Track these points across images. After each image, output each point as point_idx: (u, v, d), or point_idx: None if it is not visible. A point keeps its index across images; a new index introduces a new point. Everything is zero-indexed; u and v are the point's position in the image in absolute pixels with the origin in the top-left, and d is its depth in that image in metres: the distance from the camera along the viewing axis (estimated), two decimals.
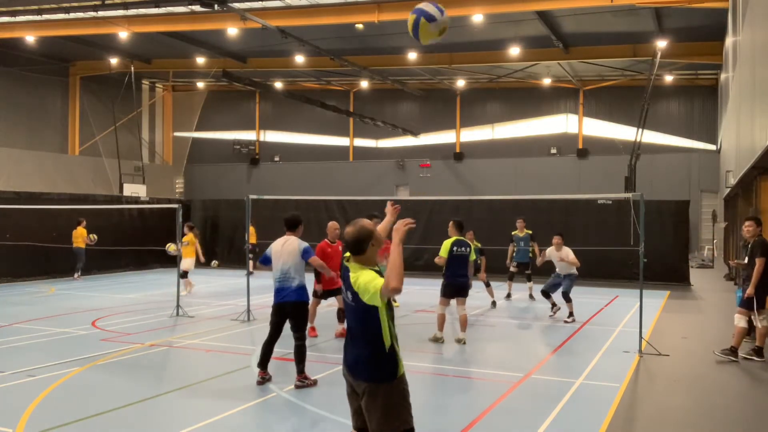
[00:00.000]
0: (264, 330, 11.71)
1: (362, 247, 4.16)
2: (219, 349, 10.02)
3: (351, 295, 4.10)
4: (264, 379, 7.87)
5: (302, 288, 7.84)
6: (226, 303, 14.88)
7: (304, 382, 7.77)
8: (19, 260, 19.10)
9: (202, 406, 7.11)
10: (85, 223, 19.94)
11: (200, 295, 16.33)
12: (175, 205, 13.77)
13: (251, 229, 20.50)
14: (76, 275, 19.82)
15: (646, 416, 6.94)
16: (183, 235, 15.75)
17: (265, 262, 8.04)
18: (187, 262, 16.17)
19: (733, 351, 9.40)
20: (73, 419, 6.47)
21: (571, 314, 12.76)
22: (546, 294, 13.12)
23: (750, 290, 9.16)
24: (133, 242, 22.13)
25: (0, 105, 29.66)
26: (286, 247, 7.86)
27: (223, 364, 8.92)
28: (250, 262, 21.05)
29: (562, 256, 12.86)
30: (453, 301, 10.64)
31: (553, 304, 13.15)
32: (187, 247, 16.21)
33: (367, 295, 4.00)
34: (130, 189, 31.04)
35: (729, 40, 19.54)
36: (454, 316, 11.13)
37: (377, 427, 4.04)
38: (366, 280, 4.03)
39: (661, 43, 22.99)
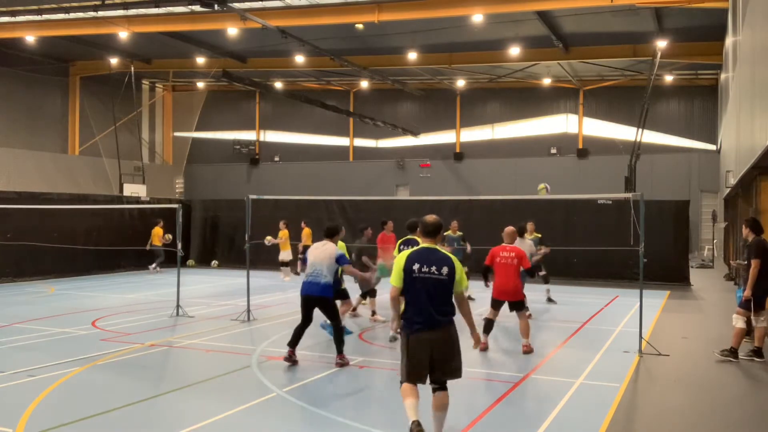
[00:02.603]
0: (263, 330, 11.71)
1: (439, 232, 6.02)
2: (219, 349, 10.02)
3: (447, 269, 5.68)
4: (290, 357, 8.83)
5: (329, 286, 8.98)
6: (226, 303, 14.87)
7: (341, 361, 8.82)
8: (20, 260, 19.10)
9: (202, 406, 7.11)
10: (162, 223, 21.90)
11: (200, 295, 16.34)
12: (175, 205, 13.77)
13: (307, 231, 20.96)
14: (152, 267, 21.86)
15: (646, 416, 6.94)
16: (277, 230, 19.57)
17: (305, 261, 9.83)
18: (285, 254, 20.00)
19: (732, 352, 9.40)
20: (73, 419, 6.47)
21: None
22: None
23: (747, 292, 9.17)
24: (134, 242, 22.13)
25: (0, 105, 29.67)
26: (323, 250, 9.15)
27: (223, 364, 8.92)
28: (299, 263, 21.49)
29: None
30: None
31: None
32: (285, 242, 19.88)
33: (460, 285, 5.78)
34: (130, 189, 31.04)
35: (729, 40, 19.53)
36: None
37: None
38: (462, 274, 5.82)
39: (661, 43, 22.98)
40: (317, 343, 10.30)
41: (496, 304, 10.14)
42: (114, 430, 6.32)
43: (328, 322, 10.13)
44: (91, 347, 9.91)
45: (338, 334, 9.01)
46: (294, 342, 8.97)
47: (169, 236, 21.49)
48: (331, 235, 9.42)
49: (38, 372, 8.34)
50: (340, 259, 9.10)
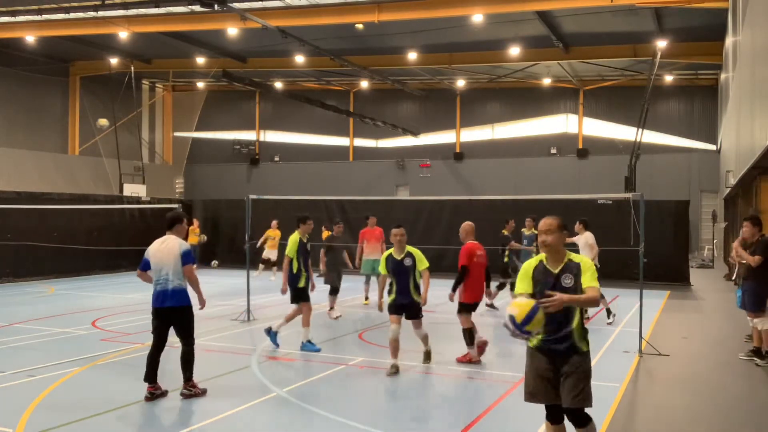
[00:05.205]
0: (264, 330, 11.67)
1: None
2: (219, 349, 10.02)
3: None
4: (153, 394, 7.21)
5: (180, 291, 7.30)
6: (226, 303, 14.87)
7: (191, 390, 7.35)
8: (20, 260, 19.09)
9: (202, 406, 7.11)
10: (197, 222, 22.87)
11: None
12: (176, 205, 13.79)
13: (327, 234, 21.07)
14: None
15: (646, 416, 6.94)
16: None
17: (145, 267, 7.45)
18: (269, 252, 20.40)
19: None
20: (73, 419, 6.47)
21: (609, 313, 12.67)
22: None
23: (742, 256, 9.09)
24: (134, 242, 22.11)
25: (0, 105, 29.66)
26: (164, 248, 7.36)
27: (223, 364, 8.92)
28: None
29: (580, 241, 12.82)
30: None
31: (608, 311, 12.76)
32: (274, 241, 20.42)
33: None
34: (130, 189, 31.02)
35: (729, 40, 19.54)
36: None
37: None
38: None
39: (661, 43, 22.99)
40: (317, 342, 10.29)
41: (472, 309, 9.27)
42: (114, 430, 6.32)
43: (273, 329, 9.89)
44: (91, 347, 9.91)
45: (186, 356, 7.44)
46: (152, 375, 7.30)
47: (204, 236, 22.61)
48: (170, 226, 7.49)
49: (38, 372, 8.34)
50: (183, 257, 7.28)
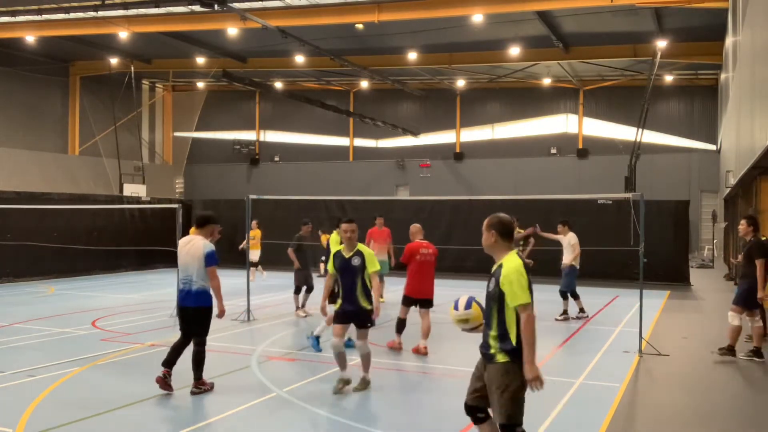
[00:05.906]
0: (263, 330, 11.67)
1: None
2: (219, 349, 10.01)
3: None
4: (165, 377, 7.40)
5: (203, 292, 7.41)
6: (226, 303, 14.79)
7: (200, 388, 7.51)
8: (19, 260, 19.09)
9: (202, 406, 7.11)
10: None
11: None
12: (175, 205, 13.78)
13: (326, 237, 20.89)
14: None
15: (646, 416, 6.94)
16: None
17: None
18: (254, 254, 19.20)
19: (730, 350, 9.39)
20: (73, 419, 6.47)
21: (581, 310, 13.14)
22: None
23: (761, 294, 9.02)
24: (134, 242, 22.13)
25: (0, 105, 29.67)
26: (189, 248, 7.44)
27: (223, 364, 8.92)
28: (321, 265, 21.25)
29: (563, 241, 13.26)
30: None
31: (565, 311, 13.20)
32: (256, 242, 19.41)
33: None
34: (130, 189, 31.05)
35: (729, 40, 19.54)
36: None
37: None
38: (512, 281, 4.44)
39: (661, 43, 23.00)
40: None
41: (410, 303, 9.81)
42: (114, 430, 6.32)
43: (314, 333, 9.87)
44: (91, 347, 9.91)
45: (198, 356, 7.54)
46: (170, 362, 7.49)
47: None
48: (201, 224, 7.59)
49: (38, 372, 8.34)
50: (207, 259, 7.35)
